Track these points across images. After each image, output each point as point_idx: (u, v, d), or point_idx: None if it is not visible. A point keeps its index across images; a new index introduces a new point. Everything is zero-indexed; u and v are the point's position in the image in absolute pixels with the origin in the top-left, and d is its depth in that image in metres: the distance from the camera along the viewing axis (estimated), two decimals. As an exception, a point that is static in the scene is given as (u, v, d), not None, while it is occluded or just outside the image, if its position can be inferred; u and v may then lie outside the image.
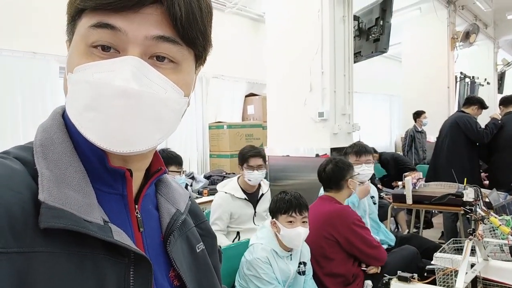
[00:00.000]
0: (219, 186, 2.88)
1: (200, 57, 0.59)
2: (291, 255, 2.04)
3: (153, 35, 0.50)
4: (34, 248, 0.44)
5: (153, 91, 0.50)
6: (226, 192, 2.75)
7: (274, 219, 2.04)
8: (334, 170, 2.48)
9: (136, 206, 0.59)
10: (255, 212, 2.80)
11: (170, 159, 2.66)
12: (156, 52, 0.52)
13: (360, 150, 2.92)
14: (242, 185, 2.81)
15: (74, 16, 0.52)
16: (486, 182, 4.36)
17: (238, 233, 2.78)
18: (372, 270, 2.34)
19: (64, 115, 0.57)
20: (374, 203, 2.97)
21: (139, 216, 0.58)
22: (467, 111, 4.20)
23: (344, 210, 2.36)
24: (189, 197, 0.71)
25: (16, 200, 0.45)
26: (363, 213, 2.77)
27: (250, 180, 2.75)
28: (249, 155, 2.76)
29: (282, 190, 2.12)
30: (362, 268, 2.37)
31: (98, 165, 0.54)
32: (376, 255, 2.34)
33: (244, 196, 2.76)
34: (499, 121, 4.10)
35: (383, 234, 2.88)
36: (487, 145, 4.14)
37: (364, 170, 2.83)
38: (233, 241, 2.68)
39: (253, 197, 2.82)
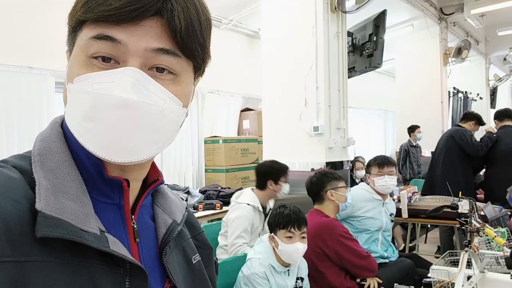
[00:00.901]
0: (235, 198, 2.80)
1: (199, 69, 0.60)
2: (288, 270, 2.02)
3: (153, 47, 0.51)
4: (30, 257, 0.44)
5: (152, 102, 0.51)
6: (249, 204, 2.68)
7: (272, 234, 2.02)
8: (314, 181, 2.50)
9: (133, 216, 0.59)
10: (263, 227, 2.76)
11: None
12: (155, 64, 0.53)
13: (383, 161, 2.95)
14: (260, 198, 2.74)
15: (75, 27, 0.53)
16: (480, 196, 4.38)
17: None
18: (368, 283, 2.33)
19: (63, 125, 0.57)
20: (392, 221, 2.94)
21: (135, 226, 0.58)
22: (464, 125, 4.26)
23: (330, 223, 2.36)
24: (186, 208, 0.71)
25: (13, 209, 0.45)
26: (378, 228, 2.76)
27: (283, 194, 2.76)
28: (286, 168, 2.79)
29: (281, 204, 2.11)
30: (360, 283, 2.36)
31: (95, 175, 0.54)
32: (366, 266, 2.32)
33: (261, 209, 2.73)
34: (494, 135, 4.14)
35: (392, 251, 2.85)
36: (482, 158, 4.17)
37: (387, 181, 2.83)
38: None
39: (264, 211, 2.79)
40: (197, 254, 0.69)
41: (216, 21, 5.58)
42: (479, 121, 4.29)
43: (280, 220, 1.99)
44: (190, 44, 0.54)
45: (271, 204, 2.87)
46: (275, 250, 2.00)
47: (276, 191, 2.74)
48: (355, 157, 5.20)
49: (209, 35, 0.58)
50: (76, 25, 0.53)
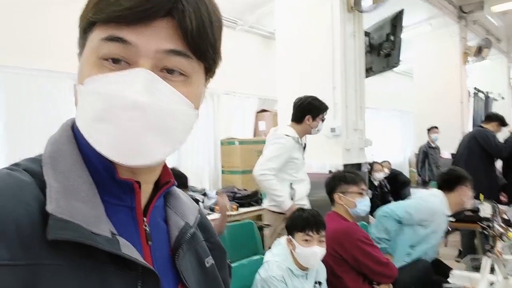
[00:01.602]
0: (273, 131, 2.84)
1: (209, 70, 0.59)
2: (306, 274, 1.99)
3: (164, 48, 0.50)
4: (41, 260, 0.44)
5: (163, 103, 0.50)
6: (287, 135, 2.69)
7: (290, 236, 1.99)
8: (326, 182, 2.49)
9: (145, 218, 0.58)
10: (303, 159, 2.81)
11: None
12: (166, 65, 0.52)
13: None
14: (296, 131, 2.78)
15: (86, 29, 0.52)
16: (504, 199, 4.27)
17: (291, 184, 2.73)
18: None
19: (73, 128, 0.57)
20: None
21: (147, 229, 0.58)
22: (487, 127, 4.18)
23: (349, 228, 2.30)
24: (199, 210, 0.70)
25: (25, 211, 0.45)
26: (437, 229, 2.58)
27: (317, 131, 2.84)
28: (326, 108, 2.84)
29: (300, 207, 2.08)
30: (375, 287, 2.31)
31: (106, 177, 0.54)
32: (385, 272, 2.26)
33: (300, 142, 2.78)
34: None
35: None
36: (505, 160, 4.07)
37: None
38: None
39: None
40: (210, 257, 0.68)
41: (231, 22, 5.59)
42: (502, 122, 4.19)
43: (299, 223, 1.96)
44: (201, 45, 0.53)
45: (304, 140, 2.89)
46: (292, 253, 1.98)
47: (312, 128, 2.78)
48: (374, 161, 5.14)
49: (220, 36, 0.57)
50: (87, 27, 0.52)
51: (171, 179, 0.63)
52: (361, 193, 2.38)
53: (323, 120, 2.84)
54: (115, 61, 0.50)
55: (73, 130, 0.57)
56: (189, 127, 0.55)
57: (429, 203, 2.51)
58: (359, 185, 2.39)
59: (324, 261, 2.13)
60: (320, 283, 2.03)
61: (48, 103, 3.67)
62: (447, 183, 2.57)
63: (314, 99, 2.85)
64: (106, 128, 0.48)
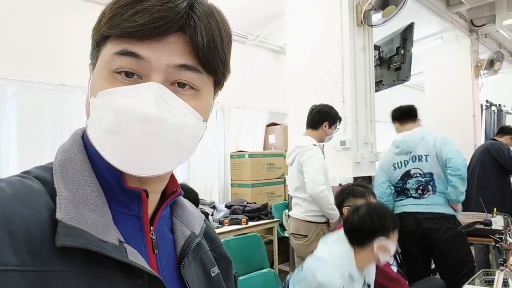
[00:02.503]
0: (298, 143, 2.86)
1: (218, 84, 0.61)
2: (364, 276, 1.80)
3: (176, 63, 0.52)
4: (50, 267, 0.44)
5: (174, 117, 0.51)
6: (315, 145, 2.78)
7: (380, 243, 1.72)
8: (336, 196, 2.50)
9: (151, 227, 0.59)
10: None
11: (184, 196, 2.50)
12: (177, 79, 0.54)
13: None
14: (316, 139, 2.85)
15: (99, 42, 0.54)
16: None
17: None
18: None
19: (83, 137, 0.58)
20: None
21: (154, 238, 0.58)
22: (501, 140, 4.12)
23: None
24: (204, 220, 0.71)
25: (34, 218, 0.46)
26: None
27: (330, 139, 2.97)
28: (341, 119, 2.98)
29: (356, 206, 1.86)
30: None
31: (115, 186, 0.55)
32: None
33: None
34: None
35: None
36: None
37: None
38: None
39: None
40: (216, 267, 0.68)
41: (242, 37, 5.65)
42: None
43: (389, 222, 1.72)
44: (212, 60, 0.54)
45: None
46: (356, 254, 1.76)
47: (327, 135, 2.88)
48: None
49: (229, 50, 0.59)
50: (100, 40, 0.54)
51: (178, 189, 0.65)
52: None
53: (337, 129, 2.97)
54: (128, 74, 0.52)
55: (83, 139, 0.58)
56: (198, 139, 0.57)
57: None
58: (368, 199, 2.37)
59: None
60: (369, 286, 1.88)
61: (61, 116, 3.73)
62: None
63: (331, 107, 2.96)
64: (118, 140, 0.50)
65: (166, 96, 0.51)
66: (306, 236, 2.80)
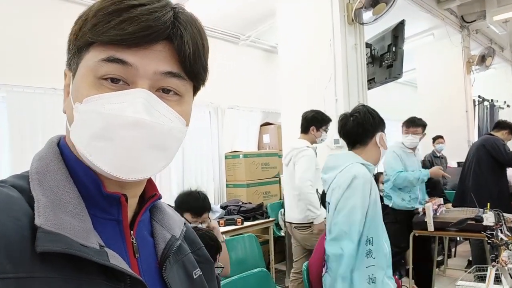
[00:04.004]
0: (295, 146, 3.15)
1: (198, 89, 0.63)
2: None
3: (162, 70, 0.54)
4: (31, 273, 0.44)
5: (161, 122, 0.53)
6: (308, 146, 3.09)
7: (381, 136, 1.88)
8: None
9: (132, 232, 0.59)
10: None
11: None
12: (163, 86, 0.55)
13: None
14: (308, 142, 3.13)
15: (81, 48, 0.54)
16: None
17: (317, 190, 2.99)
18: None
19: (59, 144, 0.59)
20: None
21: (134, 242, 0.59)
22: (497, 135, 4.10)
23: None
24: (184, 223, 0.72)
25: (14, 225, 0.46)
26: None
27: (322, 140, 3.24)
28: (329, 120, 3.21)
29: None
30: None
31: (93, 191, 0.55)
32: None
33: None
34: None
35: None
36: None
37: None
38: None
39: None
40: (198, 269, 0.69)
41: (234, 37, 5.66)
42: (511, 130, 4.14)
43: (380, 119, 1.96)
44: (195, 68, 0.57)
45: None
46: (361, 154, 1.88)
47: (316, 137, 3.16)
48: (378, 172, 5.10)
49: (208, 58, 0.61)
50: (83, 46, 0.54)
51: (157, 193, 0.65)
52: None
53: (326, 131, 3.21)
54: (114, 80, 0.53)
55: (59, 146, 0.58)
56: (181, 143, 0.59)
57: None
58: None
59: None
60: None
61: (53, 120, 3.71)
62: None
63: (318, 112, 3.23)
64: (106, 146, 0.51)
65: (153, 102, 0.53)
66: (310, 225, 3.05)
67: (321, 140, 3.22)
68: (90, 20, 0.53)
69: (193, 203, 2.34)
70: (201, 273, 0.69)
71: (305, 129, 3.20)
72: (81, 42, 0.54)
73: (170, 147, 0.56)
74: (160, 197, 0.66)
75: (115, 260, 0.51)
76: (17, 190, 0.51)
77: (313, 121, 3.17)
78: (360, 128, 1.86)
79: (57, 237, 0.47)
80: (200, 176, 5.15)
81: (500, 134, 4.09)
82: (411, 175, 3.50)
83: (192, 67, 0.56)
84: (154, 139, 0.52)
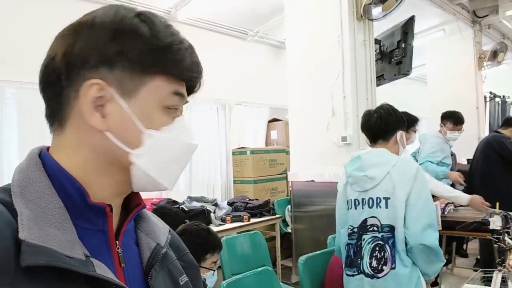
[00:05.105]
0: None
1: None
2: None
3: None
4: (16, 285, 0.44)
5: None
6: None
7: (402, 133, 2.01)
8: None
9: (117, 241, 0.60)
10: None
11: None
12: None
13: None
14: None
15: (147, 72, 0.56)
16: None
17: None
18: None
19: (40, 155, 0.58)
20: None
21: (120, 251, 0.59)
22: (504, 132, 4.04)
23: None
24: (169, 231, 0.73)
25: None
26: None
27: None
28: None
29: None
30: None
31: (78, 202, 0.55)
32: None
33: None
34: None
35: None
36: None
37: None
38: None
39: None
40: (184, 275, 0.70)
41: (242, 33, 5.63)
42: None
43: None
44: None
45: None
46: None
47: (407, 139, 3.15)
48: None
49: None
50: (149, 71, 0.56)
51: (141, 202, 0.66)
52: None
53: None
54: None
55: (40, 157, 0.58)
56: None
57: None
58: None
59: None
60: None
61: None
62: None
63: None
64: (176, 167, 0.61)
65: None
66: None
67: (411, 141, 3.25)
68: (166, 50, 0.56)
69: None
70: (187, 279, 0.69)
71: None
72: (153, 68, 0.56)
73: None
74: (144, 206, 0.67)
75: (101, 269, 0.51)
76: None
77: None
78: (383, 124, 1.95)
79: (42, 250, 0.47)
80: (208, 172, 5.17)
81: (508, 132, 4.02)
82: (439, 171, 3.53)
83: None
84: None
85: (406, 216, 1.71)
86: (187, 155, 0.62)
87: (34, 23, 3.68)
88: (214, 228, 3.16)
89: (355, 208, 1.90)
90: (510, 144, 3.87)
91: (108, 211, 0.57)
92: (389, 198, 1.78)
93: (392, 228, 1.75)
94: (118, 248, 0.59)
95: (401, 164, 1.81)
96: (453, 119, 3.99)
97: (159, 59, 0.55)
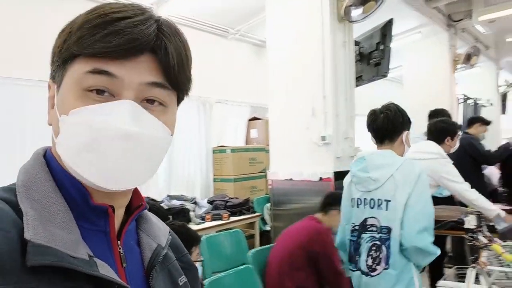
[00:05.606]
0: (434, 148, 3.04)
1: (182, 99, 0.64)
2: None
3: (148, 81, 0.55)
4: (22, 285, 0.45)
5: (148, 132, 0.54)
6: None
7: (407, 134, 2.02)
8: (326, 196, 2.67)
9: (119, 242, 0.60)
10: None
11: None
12: (148, 96, 0.56)
13: None
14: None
15: (66, 60, 0.55)
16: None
17: None
18: None
19: (45, 156, 0.59)
20: None
21: (121, 252, 0.60)
22: (470, 131, 4.20)
23: (323, 230, 2.46)
24: (169, 232, 0.73)
25: (3, 238, 0.46)
26: None
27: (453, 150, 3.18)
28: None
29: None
30: None
31: (81, 203, 0.56)
32: (336, 281, 2.37)
33: None
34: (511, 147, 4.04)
35: None
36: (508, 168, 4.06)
37: None
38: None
39: None
40: (183, 275, 0.70)
41: (223, 31, 5.62)
42: (483, 121, 4.24)
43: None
44: (180, 79, 0.58)
45: None
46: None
47: (451, 146, 3.13)
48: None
49: (191, 68, 0.62)
50: (67, 58, 0.55)
51: (143, 203, 0.66)
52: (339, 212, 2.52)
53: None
54: (99, 92, 0.53)
55: (46, 157, 0.58)
56: (166, 152, 0.60)
57: None
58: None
59: (291, 253, 2.34)
60: None
61: (40, 112, 3.67)
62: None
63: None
64: (94, 157, 0.51)
65: (139, 113, 0.54)
66: None
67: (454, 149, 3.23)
68: (75, 33, 0.53)
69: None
70: (186, 280, 0.70)
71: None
72: (66, 54, 0.54)
73: (156, 157, 0.57)
74: (146, 207, 0.68)
75: (104, 269, 0.52)
76: (5, 203, 0.51)
77: (448, 131, 3.17)
78: (390, 124, 1.98)
79: (47, 250, 0.47)
80: (187, 170, 5.14)
81: (474, 129, 4.18)
82: None
83: (177, 77, 0.57)
84: (140, 150, 0.53)
85: (404, 217, 1.77)
86: (109, 142, 0.51)
87: (12, 17, 3.58)
88: (193, 227, 3.17)
89: (358, 207, 1.97)
90: (480, 146, 4.01)
91: (110, 212, 0.58)
92: (390, 201, 1.83)
93: (389, 230, 1.81)
94: (119, 248, 0.60)
95: (404, 167, 1.85)
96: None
97: (72, 42, 0.53)
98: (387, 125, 1.97)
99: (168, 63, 0.55)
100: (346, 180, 2.17)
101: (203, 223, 3.81)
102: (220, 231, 3.77)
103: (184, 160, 5.09)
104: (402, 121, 2.00)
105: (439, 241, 2.85)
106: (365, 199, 1.94)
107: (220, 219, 3.92)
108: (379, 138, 2.03)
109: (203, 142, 5.35)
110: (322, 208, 2.61)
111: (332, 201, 2.57)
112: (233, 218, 4.08)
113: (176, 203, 3.93)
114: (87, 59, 0.53)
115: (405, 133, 2.01)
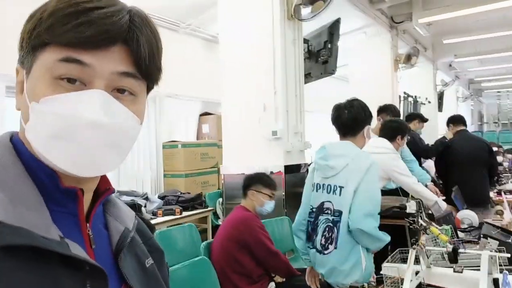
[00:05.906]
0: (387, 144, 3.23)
1: (151, 89, 0.66)
2: None
3: (119, 71, 0.56)
4: None
5: (117, 121, 0.56)
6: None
7: (368, 128, 2.20)
8: (245, 178, 2.82)
9: (88, 224, 0.62)
10: None
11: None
12: (118, 86, 0.57)
13: None
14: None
15: (36, 47, 0.55)
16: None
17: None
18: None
19: (12, 140, 0.59)
20: None
21: (90, 234, 0.61)
22: (410, 126, 4.45)
23: (249, 217, 2.58)
24: (135, 216, 0.75)
25: None
26: None
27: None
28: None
29: None
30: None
31: (50, 186, 0.56)
32: (273, 262, 2.53)
33: None
34: (446, 140, 4.29)
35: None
36: (443, 163, 4.28)
37: None
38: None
39: None
40: (150, 258, 0.72)
41: (174, 25, 5.54)
42: (421, 118, 4.51)
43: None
44: (151, 69, 0.60)
45: None
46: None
47: (400, 145, 3.32)
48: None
49: (161, 58, 0.64)
50: (38, 45, 0.55)
51: (110, 187, 0.68)
52: (271, 196, 2.71)
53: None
54: (70, 81, 0.54)
55: (12, 141, 0.58)
56: (135, 140, 0.62)
57: None
58: (272, 190, 2.71)
59: (224, 246, 2.43)
60: None
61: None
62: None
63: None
64: (64, 145, 0.53)
65: (109, 102, 0.55)
66: None
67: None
68: (45, 20, 0.53)
69: None
70: (152, 262, 0.72)
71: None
72: (36, 41, 0.54)
73: (125, 145, 0.59)
74: (113, 191, 0.69)
75: (76, 250, 0.53)
76: None
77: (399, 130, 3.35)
78: (354, 122, 2.15)
79: (19, 231, 0.48)
80: (137, 165, 5.04)
81: (412, 125, 4.44)
82: None
83: (147, 67, 0.58)
84: (110, 138, 0.55)
85: (352, 202, 1.96)
86: (79, 131, 0.52)
87: None
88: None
89: (317, 191, 2.17)
90: (420, 141, 4.28)
91: (79, 195, 0.59)
92: (343, 187, 2.03)
93: (341, 213, 2.01)
94: (88, 231, 0.61)
95: (358, 158, 2.05)
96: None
97: (43, 29, 0.53)
98: (352, 122, 2.16)
99: (140, 53, 0.57)
100: (311, 167, 2.36)
101: (155, 218, 3.77)
102: (172, 226, 3.75)
103: (133, 155, 4.98)
104: (364, 116, 2.18)
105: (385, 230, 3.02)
106: (323, 184, 2.13)
107: (173, 214, 3.90)
108: (342, 132, 2.22)
109: (152, 137, 5.27)
110: (243, 194, 2.74)
111: (246, 184, 2.71)
112: (185, 213, 4.07)
113: (126, 198, 3.85)
114: (59, 48, 0.53)
115: (366, 127, 2.19)
